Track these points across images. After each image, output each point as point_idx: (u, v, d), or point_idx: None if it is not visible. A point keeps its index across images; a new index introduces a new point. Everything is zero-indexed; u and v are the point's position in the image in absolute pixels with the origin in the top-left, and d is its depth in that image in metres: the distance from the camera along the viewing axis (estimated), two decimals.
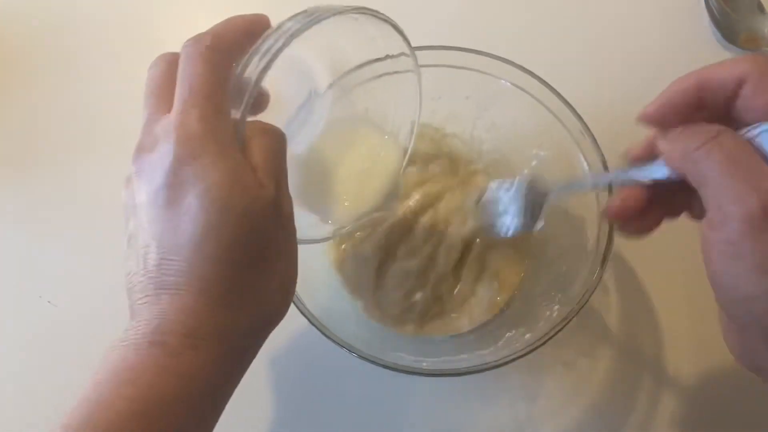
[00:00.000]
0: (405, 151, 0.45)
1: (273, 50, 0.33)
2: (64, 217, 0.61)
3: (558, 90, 0.49)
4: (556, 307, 0.46)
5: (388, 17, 0.38)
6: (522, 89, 0.50)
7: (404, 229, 0.54)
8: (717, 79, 0.32)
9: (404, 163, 0.42)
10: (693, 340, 0.53)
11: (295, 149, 0.40)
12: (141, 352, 0.30)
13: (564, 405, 0.52)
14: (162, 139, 0.32)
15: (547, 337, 0.42)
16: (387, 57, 0.42)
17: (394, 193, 0.44)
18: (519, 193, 0.45)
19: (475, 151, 0.57)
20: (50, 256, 0.60)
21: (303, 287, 0.46)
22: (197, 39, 0.33)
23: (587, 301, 0.43)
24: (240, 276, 0.31)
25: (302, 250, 0.51)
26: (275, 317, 0.34)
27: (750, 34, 0.64)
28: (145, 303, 0.31)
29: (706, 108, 0.33)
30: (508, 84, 0.50)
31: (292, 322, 0.45)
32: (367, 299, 0.53)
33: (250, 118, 0.34)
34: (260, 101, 0.38)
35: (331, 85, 0.43)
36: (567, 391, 0.52)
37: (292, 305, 0.44)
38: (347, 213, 0.43)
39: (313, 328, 0.44)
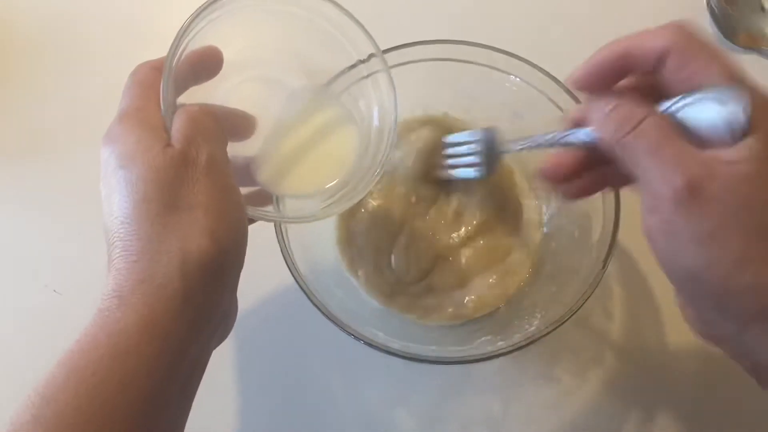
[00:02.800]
0: (367, 142, 0.46)
1: (181, 32, 0.37)
2: (69, 205, 0.61)
3: (576, 98, 0.49)
4: (536, 322, 0.47)
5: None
6: (533, 86, 0.51)
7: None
8: (641, 49, 0.34)
9: (385, 161, 0.44)
10: (695, 372, 0.53)
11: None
12: (86, 327, 0.32)
13: (540, 414, 0.53)
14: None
15: (513, 348, 0.44)
16: (359, 62, 0.45)
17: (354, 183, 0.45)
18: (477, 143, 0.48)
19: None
20: (55, 244, 0.60)
21: (309, 273, 0.48)
22: (143, 62, 0.40)
23: (564, 322, 0.44)
24: (152, 227, 0.33)
25: (313, 241, 0.51)
26: (207, 263, 0.33)
27: (750, 33, 0.64)
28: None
29: (634, 73, 0.35)
30: (521, 81, 0.51)
31: None
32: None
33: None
34: (242, 128, 0.43)
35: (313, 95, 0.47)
36: (546, 404, 0.53)
37: (295, 299, 0.45)
38: (296, 190, 0.45)
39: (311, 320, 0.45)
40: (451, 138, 0.51)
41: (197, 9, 0.38)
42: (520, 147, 0.44)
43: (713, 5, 0.65)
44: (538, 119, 0.52)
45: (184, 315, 0.33)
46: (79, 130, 0.64)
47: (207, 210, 0.34)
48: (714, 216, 0.30)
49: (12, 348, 0.56)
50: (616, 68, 0.35)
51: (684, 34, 0.33)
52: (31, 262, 0.60)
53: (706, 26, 0.66)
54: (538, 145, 0.41)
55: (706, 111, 0.31)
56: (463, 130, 0.52)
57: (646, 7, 0.68)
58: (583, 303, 0.44)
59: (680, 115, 0.32)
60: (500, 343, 0.46)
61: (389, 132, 0.44)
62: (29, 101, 0.66)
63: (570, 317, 0.44)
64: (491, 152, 0.47)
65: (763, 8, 0.65)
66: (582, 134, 0.37)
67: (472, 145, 0.48)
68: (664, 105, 0.33)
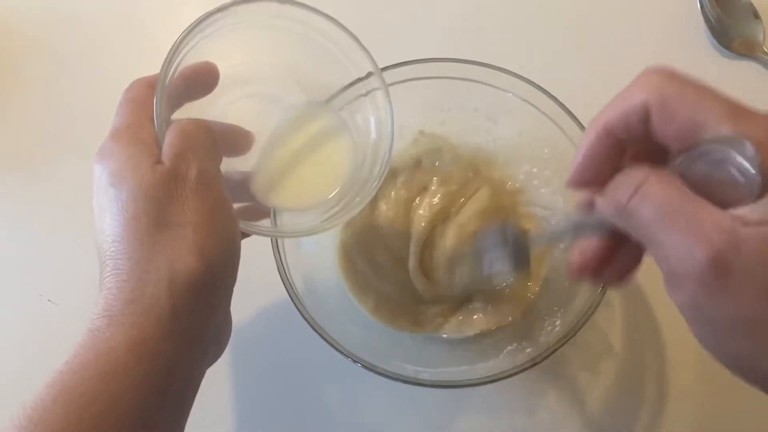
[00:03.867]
0: (363, 156, 0.46)
1: (174, 47, 0.37)
2: (64, 215, 0.61)
3: (554, 97, 0.49)
4: (558, 322, 0.46)
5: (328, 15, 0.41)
6: (530, 102, 0.51)
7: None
8: (621, 118, 0.30)
9: (383, 173, 0.43)
10: (697, 356, 0.53)
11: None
12: (75, 346, 0.32)
13: (563, 419, 0.52)
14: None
15: (548, 352, 0.43)
16: (358, 80, 0.44)
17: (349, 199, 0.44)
18: (498, 241, 0.45)
19: (483, 161, 0.57)
20: (50, 254, 0.60)
21: (307, 293, 0.47)
22: (138, 78, 0.39)
23: (589, 317, 0.43)
24: (141, 246, 0.33)
25: (309, 257, 0.50)
26: (195, 282, 0.33)
27: (744, 40, 0.65)
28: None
29: (630, 145, 0.31)
30: (517, 98, 0.51)
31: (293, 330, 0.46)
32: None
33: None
34: (238, 144, 0.43)
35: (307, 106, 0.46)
36: (567, 406, 0.52)
37: (295, 311, 0.45)
38: (289, 205, 0.45)
39: (313, 334, 0.45)
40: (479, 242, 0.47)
41: (191, 24, 0.38)
42: (545, 241, 0.42)
43: (707, 12, 0.65)
44: (513, 121, 0.53)
45: (173, 335, 0.33)
46: (76, 140, 0.64)
47: (196, 227, 0.34)
48: (749, 299, 0.25)
49: (6, 358, 0.56)
50: (608, 151, 0.31)
51: (660, 80, 0.29)
52: (26, 271, 0.60)
53: (701, 33, 0.66)
54: (562, 236, 0.38)
55: (713, 166, 0.26)
56: (444, 146, 0.53)
57: (640, 14, 0.68)
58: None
59: (688, 172, 0.28)
60: (528, 350, 0.46)
61: (387, 144, 0.44)
62: (26, 111, 0.66)
63: (598, 305, 0.43)
64: (519, 248, 0.44)
65: (756, 15, 0.65)
66: (598, 217, 0.33)
67: (499, 246, 0.45)
68: (674, 162, 0.29)
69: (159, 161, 0.35)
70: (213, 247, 0.34)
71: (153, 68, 0.39)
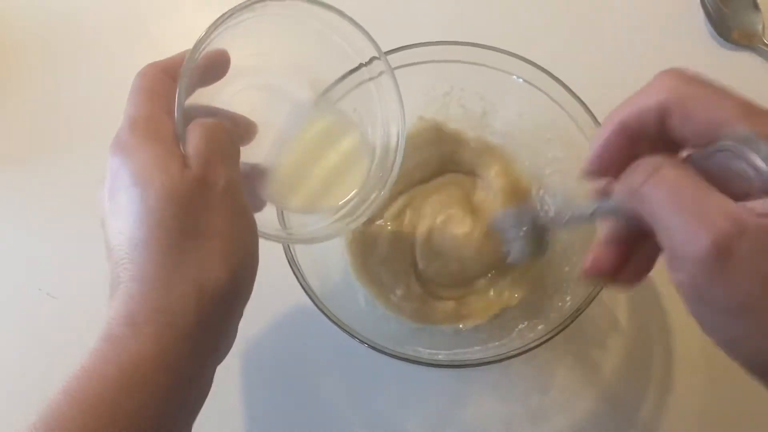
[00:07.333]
0: (374, 154, 0.46)
1: (200, 42, 0.36)
2: (63, 209, 0.61)
3: (555, 77, 0.49)
4: (568, 297, 0.46)
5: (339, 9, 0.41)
6: (531, 84, 0.51)
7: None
8: (636, 116, 0.31)
9: (399, 160, 0.43)
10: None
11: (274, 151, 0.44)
12: (93, 351, 0.31)
13: (575, 396, 0.52)
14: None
15: (561, 327, 0.43)
16: (361, 65, 0.44)
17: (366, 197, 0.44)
18: (521, 221, 0.45)
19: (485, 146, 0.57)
20: (49, 248, 0.60)
21: (320, 286, 0.47)
22: (151, 63, 0.38)
23: (599, 291, 0.43)
24: (169, 254, 0.32)
25: (320, 250, 0.51)
26: (222, 294, 0.33)
27: (743, 31, 0.65)
28: (110, 300, 0.33)
29: (644, 140, 0.32)
30: (519, 80, 0.51)
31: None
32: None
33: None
34: (244, 133, 0.42)
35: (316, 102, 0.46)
36: (578, 383, 0.53)
37: (313, 306, 0.45)
38: (304, 207, 0.45)
39: (327, 324, 0.45)
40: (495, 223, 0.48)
41: (218, 19, 0.37)
42: (563, 224, 0.41)
43: (707, 3, 0.66)
44: (514, 103, 0.53)
45: (196, 346, 0.32)
46: (75, 133, 0.64)
47: (223, 237, 0.33)
48: (745, 283, 0.26)
49: (6, 351, 0.56)
50: (622, 144, 0.32)
51: (677, 81, 0.30)
52: (26, 265, 0.60)
53: (700, 23, 0.66)
54: (579, 220, 0.38)
55: (728, 162, 0.27)
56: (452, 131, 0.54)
57: (639, 4, 0.68)
58: None
59: (703, 166, 0.28)
60: (540, 327, 0.46)
61: (397, 145, 0.43)
62: (24, 105, 0.66)
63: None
64: (536, 232, 0.44)
65: (756, 5, 0.65)
66: (613, 204, 0.34)
67: (516, 228, 0.45)
68: (691, 154, 0.30)
69: (185, 165, 0.34)
70: (238, 258, 0.34)
71: (153, 59, 0.39)
